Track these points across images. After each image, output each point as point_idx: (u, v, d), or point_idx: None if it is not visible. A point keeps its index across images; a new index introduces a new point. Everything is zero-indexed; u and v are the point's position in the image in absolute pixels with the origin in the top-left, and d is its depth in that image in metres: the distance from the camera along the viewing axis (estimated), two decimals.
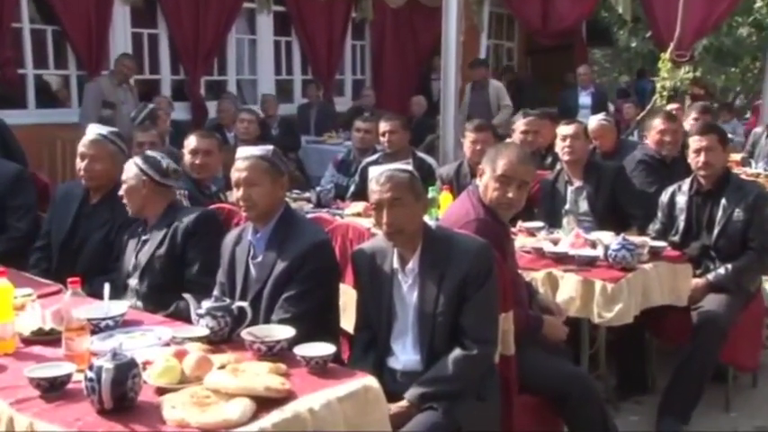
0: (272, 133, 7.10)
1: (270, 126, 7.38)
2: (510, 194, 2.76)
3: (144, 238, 3.04)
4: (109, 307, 2.45)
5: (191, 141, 4.00)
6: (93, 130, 3.46)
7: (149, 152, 3.21)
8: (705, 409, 3.49)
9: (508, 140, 5.18)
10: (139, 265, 2.99)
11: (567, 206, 4.11)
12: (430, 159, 5.10)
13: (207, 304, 2.29)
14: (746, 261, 3.58)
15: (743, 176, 4.44)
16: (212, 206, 3.59)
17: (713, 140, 3.62)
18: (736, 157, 6.19)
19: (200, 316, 2.27)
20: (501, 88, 8.54)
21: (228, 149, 4.92)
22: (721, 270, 3.58)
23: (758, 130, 6.38)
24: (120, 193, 3.05)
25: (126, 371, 1.79)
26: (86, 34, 6.64)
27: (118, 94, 6.37)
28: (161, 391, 1.89)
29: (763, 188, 4.03)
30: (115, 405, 1.78)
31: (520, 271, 3.13)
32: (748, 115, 11.56)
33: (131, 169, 3.04)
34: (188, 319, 2.39)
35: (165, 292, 2.88)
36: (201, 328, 2.25)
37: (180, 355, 2.01)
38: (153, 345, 2.25)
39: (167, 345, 2.22)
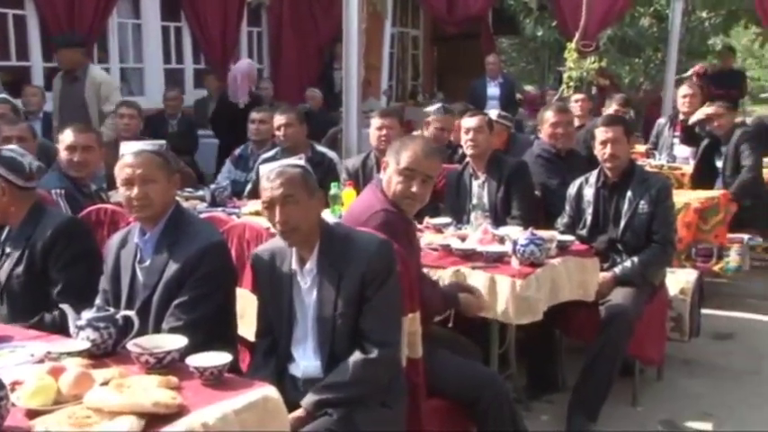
0: (168, 131, 6.93)
1: (167, 123, 7.19)
2: (414, 189, 2.80)
3: (4, 250, 2.86)
4: None
5: (66, 136, 3.83)
6: None
7: (5, 151, 2.94)
8: (612, 403, 3.65)
9: (416, 133, 5.26)
10: None
11: (474, 201, 4.20)
12: (331, 153, 5.10)
13: (88, 314, 2.20)
14: (651, 254, 3.76)
15: (647, 168, 4.67)
16: (92, 206, 3.47)
17: (619, 132, 3.78)
18: (641, 148, 6.51)
19: (80, 328, 2.18)
20: (106, 82, 6.39)
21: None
22: (627, 263, 3.75)
23: (662, 120, 6.70)
24: None
25: None
26: None
27: None
28: (33, 413, 1.80)
29: (667, 180, 4.25)
30: None
31: (427, 270, 3.18)
32: None
33: None
34: (61, 332, 2.28)
35: (30, 315, 2.72)
36: (81, 341, 2.16)
37: (56, 373, 1.92)
38: (24, 362, 2.14)
39: (41, 362, 2.12)
